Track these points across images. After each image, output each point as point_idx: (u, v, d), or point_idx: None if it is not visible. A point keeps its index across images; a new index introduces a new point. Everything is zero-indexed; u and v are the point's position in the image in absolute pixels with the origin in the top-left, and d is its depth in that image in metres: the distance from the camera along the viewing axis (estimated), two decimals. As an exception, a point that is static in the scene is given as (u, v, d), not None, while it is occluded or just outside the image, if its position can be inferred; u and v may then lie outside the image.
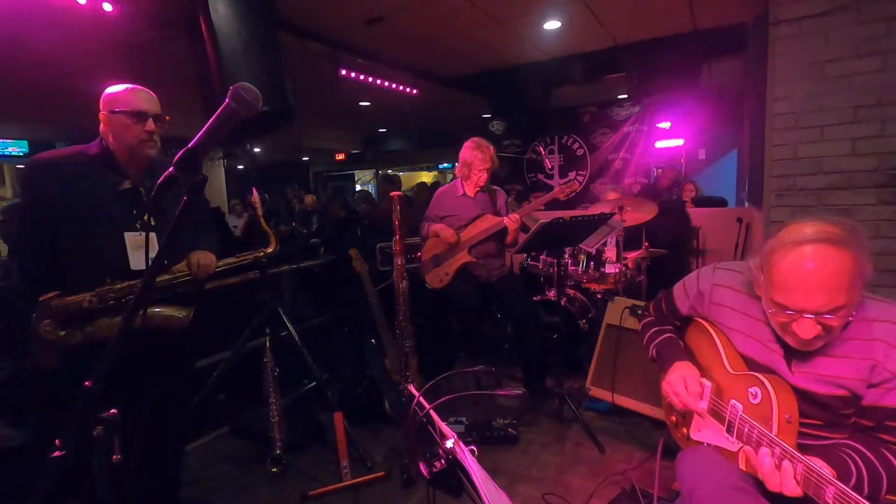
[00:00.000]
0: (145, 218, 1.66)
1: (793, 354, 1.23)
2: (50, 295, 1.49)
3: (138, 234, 1.62)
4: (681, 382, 1.37)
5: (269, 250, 1.97)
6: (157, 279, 1.60)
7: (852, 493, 0.95)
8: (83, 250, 1.58)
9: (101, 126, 1.64)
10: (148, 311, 1.60)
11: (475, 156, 2.88)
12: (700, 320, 1.50)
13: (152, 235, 1.66)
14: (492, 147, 2.95)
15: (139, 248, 1.63)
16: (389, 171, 11.88)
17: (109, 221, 1.60)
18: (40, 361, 1.53)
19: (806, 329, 1.11)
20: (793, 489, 1.06)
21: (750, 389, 1.24)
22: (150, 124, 1.63)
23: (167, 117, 1.67)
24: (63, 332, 1.50)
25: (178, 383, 1.85)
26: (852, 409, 1.18)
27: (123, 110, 1.60)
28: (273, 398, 2.47)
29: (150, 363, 1.63)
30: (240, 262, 1.89)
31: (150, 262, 1.55)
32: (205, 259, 1.71)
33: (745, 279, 1.33)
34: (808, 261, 1.08)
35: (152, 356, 1.62)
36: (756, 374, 1.26)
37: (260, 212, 2.10)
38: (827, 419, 1.21)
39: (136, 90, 1.64)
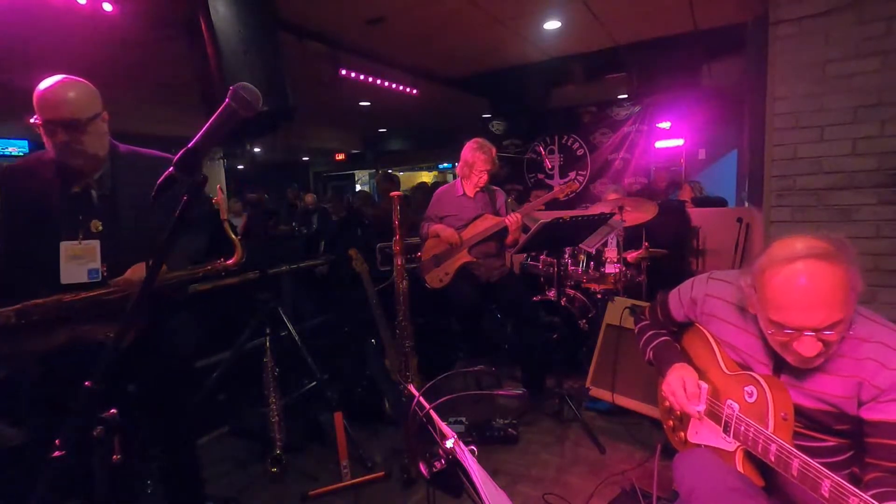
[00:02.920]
0: (93, 225, 1.54)
1: (782, 368, 1.24)
2: None
3: (77, 243, 1.51)
4: (679, 384, 1.38)
5: (231, 262, 1.70)
6: (88, 294, 1.49)
7: (848, 485, 0.95)
8: (18, 261, 1.49)
9: None
10: (80, 326, 1.49)
11: (477, 156, 2.88)
12: (696, 324, 1.51)
13: (95, 244, 1.53)
14: (494, 148, 2.95)
15: (74, 259, 1.51)
16: (389, 171, 11.90)
17: (47, 230, 1.49)
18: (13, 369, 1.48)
19: (808, 347, 1.10)
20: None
21: (746, 388, 1.25)
22: (60, 135, 1.45)
23: (105, 115, 1.52)
24: None
25: (173, 389, 1.79)
26: (840, 426, 1.18)
27: (36, 122, 1.46)
28: (273, 398, 2.47)
29: (139, 372, 1.59)
30: (191, 275, 1.69)
31: (90, 273, 1.51)
32: (136, 274, 1.56)
33: (737, 291, 1.32)
34: (802, 277, 1.07)
35: (140, 361, 1.57)
36: (751, 373, 1.26)
37: (224, 215, 1.76)
38: (816, 428, 1.22)
39: (43, 96, 1.46)
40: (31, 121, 1.48)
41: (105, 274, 1.54)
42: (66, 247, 1.51)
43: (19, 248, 1.50)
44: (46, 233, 1.50)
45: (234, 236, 1.75)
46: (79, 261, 1.52)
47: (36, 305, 1.44)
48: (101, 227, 1.56)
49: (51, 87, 1.47)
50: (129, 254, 1.56)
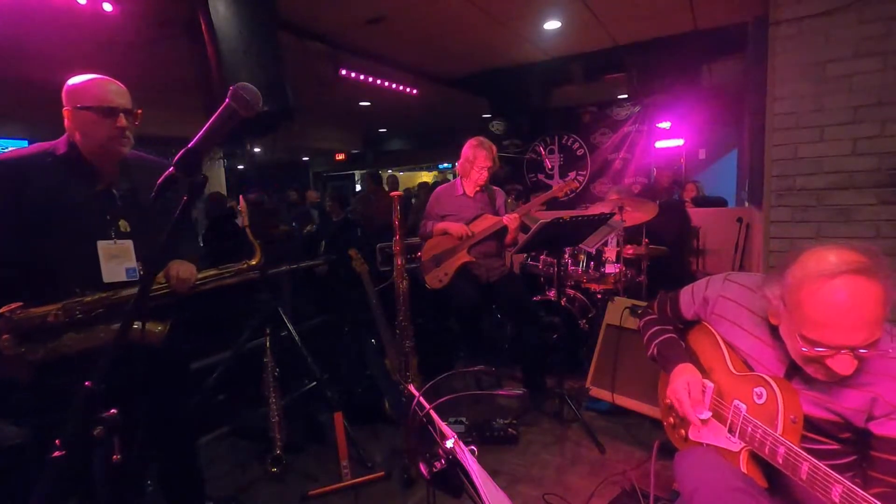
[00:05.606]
0: (121, 224, 1.53)
1: (792, 376, 1.23)
2: (12, 306, 1.36)
3: (112, 242, 1.49)
4: (684, 389, 1.37)
5: (253, 263, 1.79)
6: (129, 291, 1.49)
7: (860, 490, 0.94)
8: (50, 260, 1.44)
9: (66, 122, 1.50)
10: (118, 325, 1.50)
11: (478, 153, 2.89)
12: (704, 322, 1.50)
13: (129, 243, 1.52)
14: (494, 147, 2.96)
15: (113, 258, 1.49)
16: (379, 171, 11.87)
17: (79, 229, 1.47)
18: (9, 374, 1.44)
19: (844, 365, 1.05)
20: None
21: (755, 389, 1.24)
22: (122, 120, 1.48)
23: (139, 111, 1.54)
24: (23, 348, 1.38)
25: (172, 390, 1.78)
26: (843, 434, 1.17)
27: (90, 106, 1.45)
28: (273, 398, 2.47)
29: (141, 373, 1.56)
30: (221, 275, 1.72)
31: (128, 272, 1.51)
32: (184, 271, 1.56)
33: (755, 298, 1.29)
34: (844, 294, 1.02)
35: (143, 367, 1.55)
36: (761, 374, 1.26)
37: (246, 221, 1.86)
38: (818, 433, 1.21)
39: (102, 83, 1.49)
40: (81, 105, 1.46)
41: (142, 272, 1.54)
42: (103, 246, 1.49)
43: (41, 247, 1.43)
44: (72, 231, 1.46)
45: (254, 240, 1.81)
46: (117, 260, 1.50)
47: (78, 303, 1.42)
48: (128, 228, 1.55)
49: (107, 78, 1.51)
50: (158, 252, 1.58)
